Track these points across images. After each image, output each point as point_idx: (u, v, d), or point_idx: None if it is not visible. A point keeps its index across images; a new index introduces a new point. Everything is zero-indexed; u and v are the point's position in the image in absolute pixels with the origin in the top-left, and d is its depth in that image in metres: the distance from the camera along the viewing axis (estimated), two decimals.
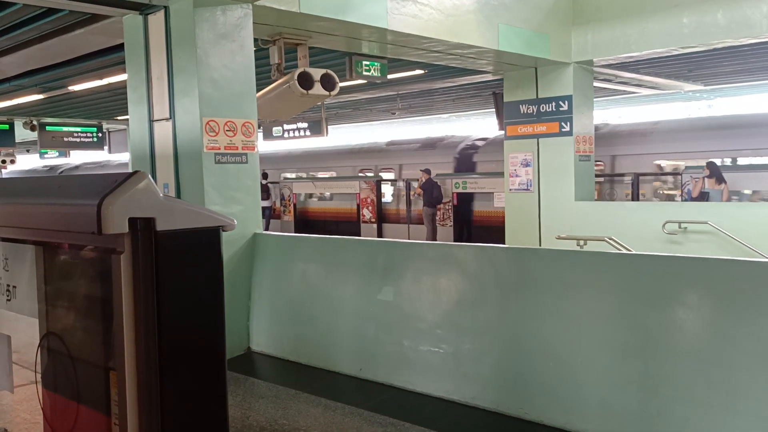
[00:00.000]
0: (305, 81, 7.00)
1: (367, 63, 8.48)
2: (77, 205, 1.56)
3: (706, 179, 11.71)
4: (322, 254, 5.78)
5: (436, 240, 15.01)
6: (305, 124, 14.61)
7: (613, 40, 9.17)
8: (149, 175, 1.58)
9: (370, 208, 17.29)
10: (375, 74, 8.59)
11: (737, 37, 8.30)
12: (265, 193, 18.27)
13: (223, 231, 1.64)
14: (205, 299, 1.61)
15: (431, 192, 15.46)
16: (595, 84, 10.78)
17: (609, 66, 10.65)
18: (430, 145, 17.75)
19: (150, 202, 1.53)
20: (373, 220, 17.25)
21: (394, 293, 5.02)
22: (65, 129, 15.77)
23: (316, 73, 7.09)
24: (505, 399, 4.26)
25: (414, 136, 20.05)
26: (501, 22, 8.31)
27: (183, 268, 1.57)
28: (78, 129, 15.98)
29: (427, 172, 15.63)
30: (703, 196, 11.60)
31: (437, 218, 15.73)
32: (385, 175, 18.09)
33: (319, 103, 10.85)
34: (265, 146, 20.81)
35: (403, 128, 25.01)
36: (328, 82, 7.18)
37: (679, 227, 8.77)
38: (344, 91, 11.68)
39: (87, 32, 7.03)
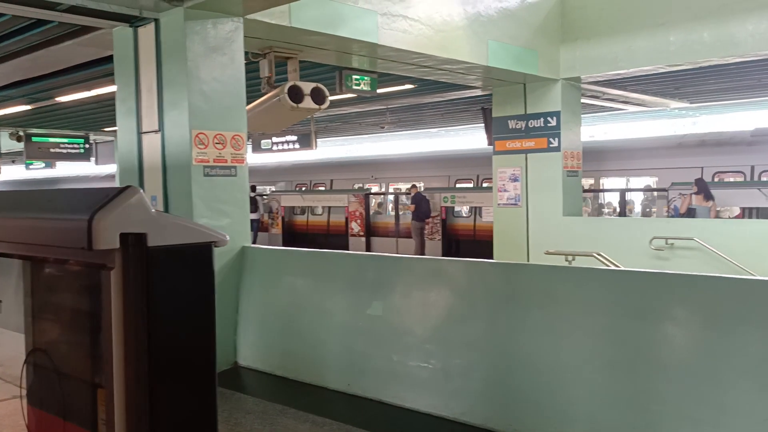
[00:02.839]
0: (295, 94, 7.01)
1: (357, 77, 8.50)
2: (68, 220, 1.54)
3: (693, 195, 11.78)
4: (311, 268, 5.75)
5: (424, 254, 15.00)
6: (294, 137, 14.63)
7: (601, 58, 9.26)
8: (141, 190, 1.56)
9: None
10: (365, 88, 8.61)
11: (723, 56, 8.41)
12: (253, 205, 18.23)
13: (216, 247, 1.62)
14: (197, 316, 1.59)
15: (420, 206, 15.54)
16: (583, 100, 10.87)
17: (596, 83, 10.75)
18: None
19: (142, 217, 1.51)
20: None
21: (384, 308, 5.00)
22: (51, 140, 15.69)
23: (306, 86, 7.10)
24: (494, 415, 4.24)
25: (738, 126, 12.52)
26: (490, 39, 8.37)
27: (174, 284, 1.55)
28: (65, 140, 15.92)
29: (414, 186, 15.85)
30: (691, 213, 11.67)
31: (425, 232, 15.77)
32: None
33: (309, 117, 10.85)
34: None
35: (391, 143, 25.05)
36: (318, 96, 7.20)
37: (666, 243, 8.83)
38: (334, 104, 11.68)
39: (76, 44, 7.00)
